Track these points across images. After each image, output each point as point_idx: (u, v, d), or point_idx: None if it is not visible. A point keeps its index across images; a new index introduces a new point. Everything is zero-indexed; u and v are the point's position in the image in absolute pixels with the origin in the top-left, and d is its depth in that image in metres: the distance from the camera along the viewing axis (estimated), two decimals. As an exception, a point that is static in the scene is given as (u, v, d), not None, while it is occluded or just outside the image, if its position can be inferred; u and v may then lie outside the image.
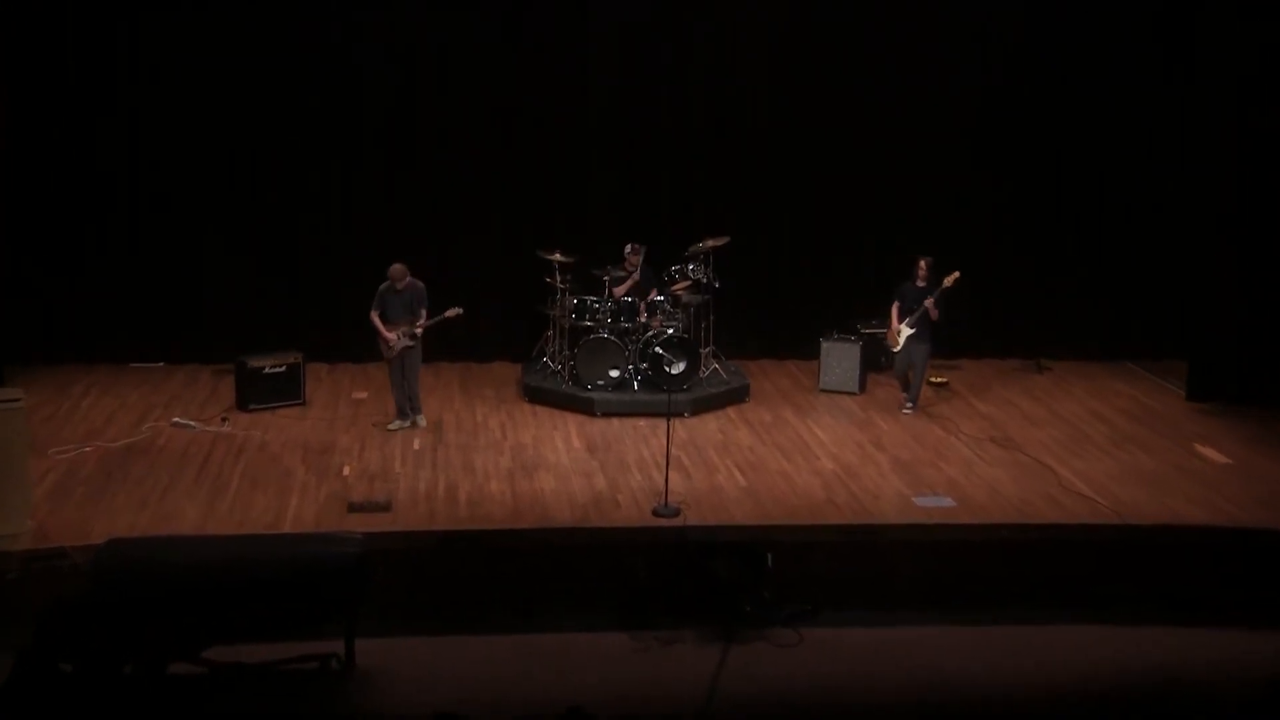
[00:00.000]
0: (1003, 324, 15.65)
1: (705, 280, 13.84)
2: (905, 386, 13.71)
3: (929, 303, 13.23)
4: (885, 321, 14.24)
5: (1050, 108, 15.21)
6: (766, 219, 15.23)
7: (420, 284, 12.75)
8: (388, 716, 9.11)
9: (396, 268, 12.68)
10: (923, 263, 13.42)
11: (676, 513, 10.92)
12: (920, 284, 13.40)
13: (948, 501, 11.36)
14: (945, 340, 14.20)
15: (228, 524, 10.60)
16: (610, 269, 13.83)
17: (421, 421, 12.88)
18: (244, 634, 9.42)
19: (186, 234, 14.49)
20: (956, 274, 13.22)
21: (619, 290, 13.81)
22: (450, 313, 12.81)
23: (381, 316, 12.64)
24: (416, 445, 12.41)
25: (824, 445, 12.72)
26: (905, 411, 13.54)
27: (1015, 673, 9.88)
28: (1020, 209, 15.44)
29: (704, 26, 14.84)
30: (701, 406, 13.53)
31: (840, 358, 14.27)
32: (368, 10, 14.38)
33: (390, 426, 12.78)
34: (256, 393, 13.28)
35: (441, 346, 13.81)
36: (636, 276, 13.88)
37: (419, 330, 12.73)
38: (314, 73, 14.36)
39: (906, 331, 13.44)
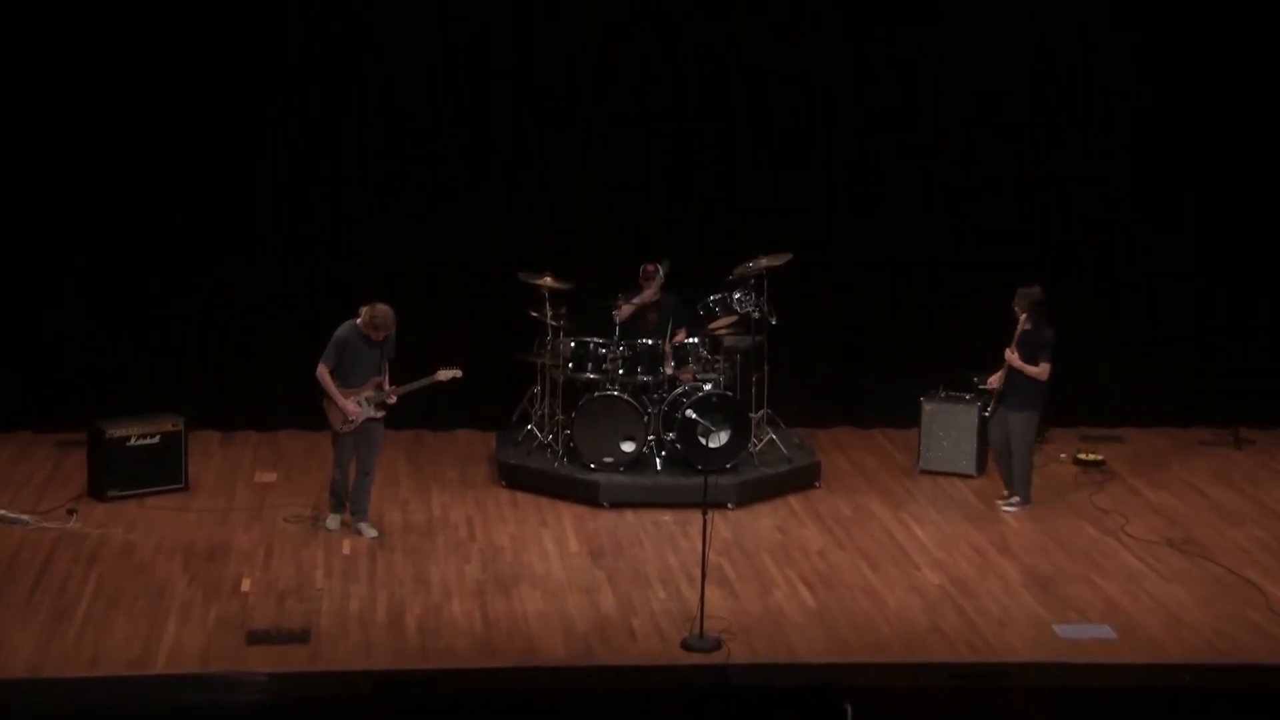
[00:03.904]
0: (1183, 379, 15.71)
1: (757, 315, 13.89)
2: (1009, 474, 13.63)
3: (1009, 353, 13.20)
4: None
5: (1246, 95, 15.40)
6: (842, 230, 15.32)
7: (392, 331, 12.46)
8: None
9: (383, 310, 12.16)
10: (1018, 294, 13.34)
11: (717, 645, 10.88)
12: (1026, 326, 13.30)
13: (1105, 632, 11.33)
14: (1097, 402, 14.17)
15: (76, 661, 10.54)
16: (622, 298, 13.92)
17: (370, 531, 12.66)
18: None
19: (24, 255, 14.63)
20: (1023, 317, 13.16)
21: (623, 313, 13.86)
22: (443, 375, 12.56)
23: (335, 373, 12.44)
24: (347, 550, 12.41)
25: (926, 550, 12.70)
26: (1007, 509, 13.47)
27: None
28: (1205, 222, 15.56)
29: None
30: (752, 494, 13.55)
31: (950, 425, 14.31)
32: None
33: (329, 525, 12.72)
34: (118, 474, 13.28)
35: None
36: (651, 295, 13.96)
37: (393, 399, 12.55)
38: (212, 50, 14.55)
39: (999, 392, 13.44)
